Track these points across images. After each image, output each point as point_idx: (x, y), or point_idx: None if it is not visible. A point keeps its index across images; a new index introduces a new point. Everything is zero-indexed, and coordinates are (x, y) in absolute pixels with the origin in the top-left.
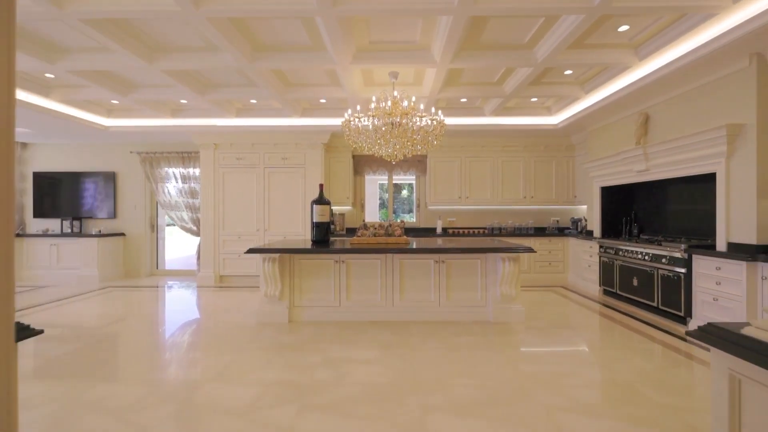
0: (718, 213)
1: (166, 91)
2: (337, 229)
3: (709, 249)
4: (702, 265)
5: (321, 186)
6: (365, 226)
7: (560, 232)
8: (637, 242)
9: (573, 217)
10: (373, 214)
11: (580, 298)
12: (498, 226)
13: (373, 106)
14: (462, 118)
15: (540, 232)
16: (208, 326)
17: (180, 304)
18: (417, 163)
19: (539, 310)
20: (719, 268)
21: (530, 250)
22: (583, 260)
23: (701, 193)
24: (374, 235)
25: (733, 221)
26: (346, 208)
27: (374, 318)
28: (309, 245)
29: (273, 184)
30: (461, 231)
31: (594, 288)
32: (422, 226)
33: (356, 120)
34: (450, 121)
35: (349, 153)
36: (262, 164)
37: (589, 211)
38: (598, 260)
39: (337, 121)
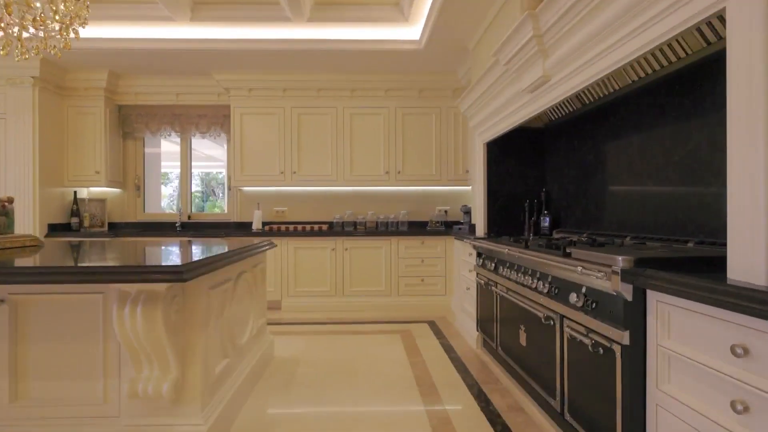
0: (732, 165)
1: None
2: (87, 224)
3: (701, 276)
4: (676, 320)
5: None
6: None
7: (448, 228)
8: (533, 248)
9: (465, 206)
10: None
11: (433, 355)
12: (351, 220)
13: None
14: (249, 27)
15: (418, 228)
16: None
17: None
18: (223, 120)
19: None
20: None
21: (178, 274)
22: (463, 277)
23: (681, 128)
24: None
25: None
26: (109, 191)
27: None
28: None
29: None
30: (292, 227)
31: (472, 329)
32: (237, 219)
33: None
34: (218, 33)
35: (104, 100)
36: None
37: (474, 189)
38: (476, 281)
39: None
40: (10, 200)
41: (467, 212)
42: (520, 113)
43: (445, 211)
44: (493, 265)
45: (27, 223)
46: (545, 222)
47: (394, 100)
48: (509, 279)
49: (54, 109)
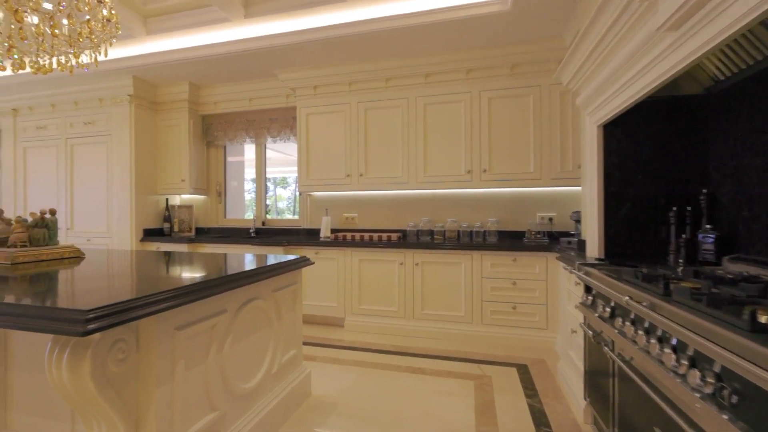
0: None
1: None
2: (176, 229)
3: None
4: None
5: None
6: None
7: (553, 241)
8: (681, 300)
9: (576, 212)
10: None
11: (514, 427)
12: (427, 228)
13: None
14: (307, 15)
15: (512, 240)
16: None
17: None
18: (292, 122)
19: None
20: None
21: (72, 325)
22: (567, 313)
23: None
24: None
25: None
26: (196, 198)
27: None
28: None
29: (78, 160)
30: (364, 236)
31: (580, 390)
32: (307, 226)
33: None
34: (274, 28)
35: (189, 111)
36: (63, 134)
37: (584, 191)
38: (581, 327)
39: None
40: (53, 212)
41: (578, 220)
42: (656, 70)
43: (550, 219)
44: (609, 310)
45: (125, 228)
46: (707, 242)
47: (478, 82)
48: (634, 342)
49: (148, 123)
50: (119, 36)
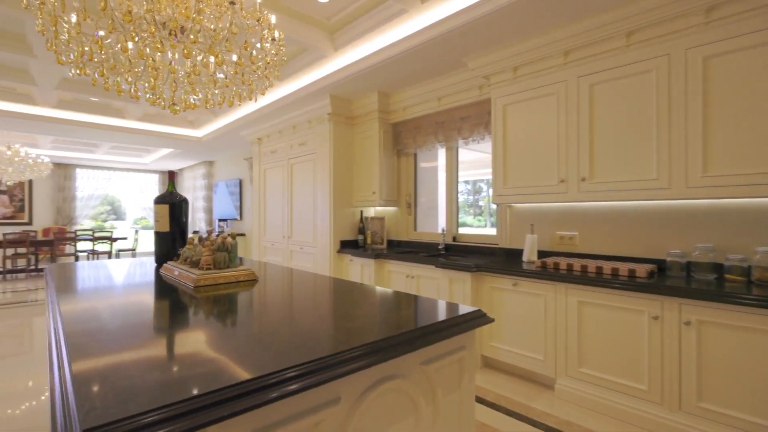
0: None
1: None
2: (369, 241)
3: None
4: None
5: (171, 174)
6: (202, 240)
7: None
8: None
9: None
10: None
11: None
12: (708, 261)
13: None
14: None
15: None
16: None
17: None
18: (487, 118)
19: None
20: None
21: None
22: None
23: None
24: (189, 262)
25: None
26: (388, 210)
27: None
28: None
29: (295, 177)
30: (588, 266)
31: None
32: (506, 245)
33: None
34: (456, 4)
35: (379, 121)
36: (286, 155)
37: None
38: None
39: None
40: (233, 236)
41: None
42: None
43: None
44: None
45: (325, 239)
46: None
47: None
48: None
49: (345, 138)
50: (314, 59)
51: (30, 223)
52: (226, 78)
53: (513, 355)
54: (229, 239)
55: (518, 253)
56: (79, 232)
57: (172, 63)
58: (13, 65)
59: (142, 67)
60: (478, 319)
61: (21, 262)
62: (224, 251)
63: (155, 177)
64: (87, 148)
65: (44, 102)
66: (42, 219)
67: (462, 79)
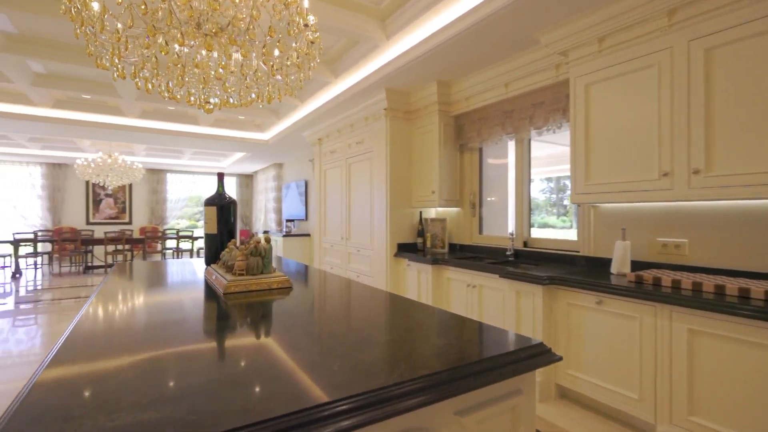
0: None
1: None
2: (428, 244)
3: None
4: None
5: (220, 176)
6: (237, 245)
7: None
8: None
9: None
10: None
11: None
12: None
13: None
14: None
15: None
16: None
17: None
18: (565, 102)
19: None
20: None
21: None
22: None
23: None
24: (225, 267)
25: None
26: (449, 211)
27: None
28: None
29: (353, 177)
30: (702, 284)
31: None
32: (589, 252)
33: None
34: None
35: (438, 114)
36: (344, 154)
37: None
38: None
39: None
40: (267, 240)
41: None
42: None
43: None
44: None
45: (382, 241)
46: None
47: None
48: None
49: (402, 134)
50: (367, 51)
51: (130, 222)
52: (258, 72)
53: (596, 388)
54: (263, 243)
55: (605, 263)
56: (166, 232)
57: (208, 61)
58: (100, 80)
59: (179, 66)
60: (539, 356)
61: (119, 258)
62: (257, 256)
63: (233, 180)
64: (174, 154)
65: (130, 113)
66: (139, 219)
67: (533, 59)
